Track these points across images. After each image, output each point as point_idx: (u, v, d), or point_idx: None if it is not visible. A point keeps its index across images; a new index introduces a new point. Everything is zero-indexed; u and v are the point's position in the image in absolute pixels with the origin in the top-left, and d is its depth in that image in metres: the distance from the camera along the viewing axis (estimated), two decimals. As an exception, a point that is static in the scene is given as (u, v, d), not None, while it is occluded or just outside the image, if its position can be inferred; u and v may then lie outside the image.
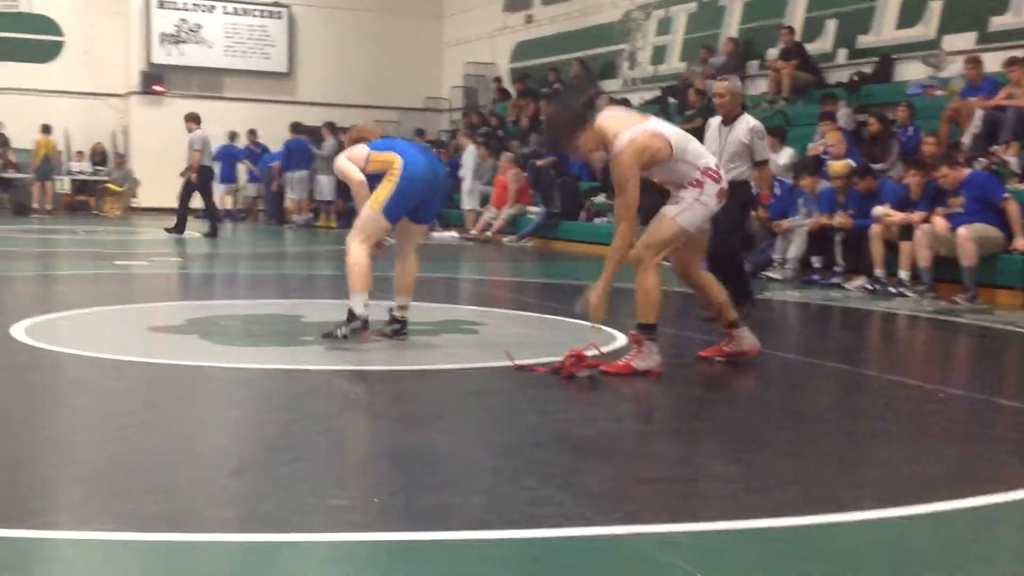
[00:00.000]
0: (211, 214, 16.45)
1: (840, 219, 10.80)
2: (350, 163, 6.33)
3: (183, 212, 16.04)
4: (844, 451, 4.31)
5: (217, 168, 21.55)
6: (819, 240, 11.11)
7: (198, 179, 16.01)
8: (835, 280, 10.81)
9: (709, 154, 5.87)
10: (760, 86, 16.36)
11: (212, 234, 16.05)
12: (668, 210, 5.66)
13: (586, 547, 3.04)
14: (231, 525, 3.15)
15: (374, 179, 6.29)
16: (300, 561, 2.95)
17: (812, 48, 15.78)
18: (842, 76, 15.28)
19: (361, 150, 6.38)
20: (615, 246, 5.49)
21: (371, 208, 6.19)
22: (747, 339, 6.11)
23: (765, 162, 7.88)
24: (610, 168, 5.66)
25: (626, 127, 5.45)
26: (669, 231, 5.63)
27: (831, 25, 15.85)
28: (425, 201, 6.36)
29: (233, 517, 3.23)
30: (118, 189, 22.47)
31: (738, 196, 7.62)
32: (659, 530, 3.15)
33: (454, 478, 3.68)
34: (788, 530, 3.21)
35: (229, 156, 21.66)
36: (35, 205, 21.49)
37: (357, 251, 6.18)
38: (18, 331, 6.30)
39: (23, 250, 13.84)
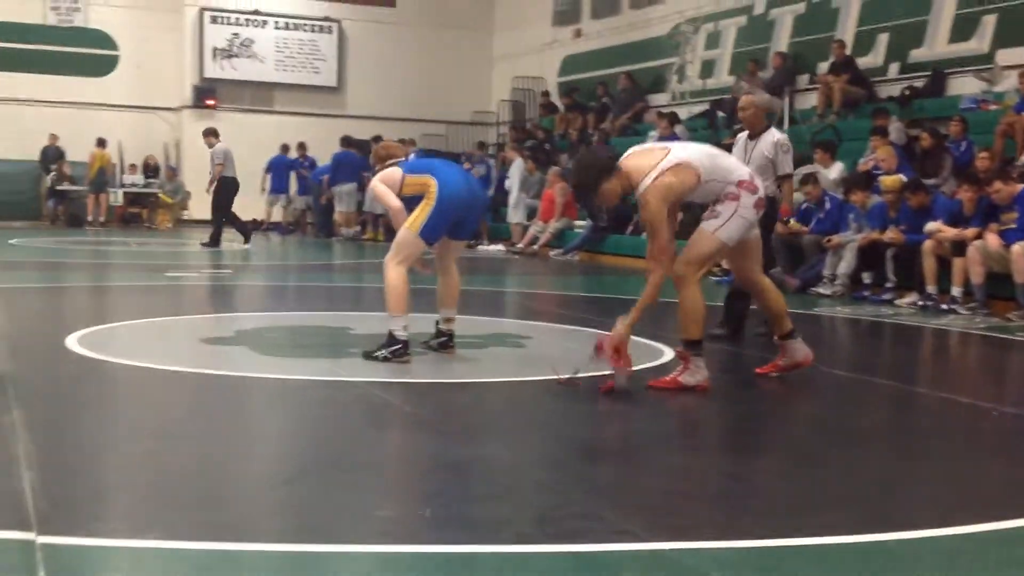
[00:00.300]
0: (239, 226, 16.66)
1: (891, 234, 10.68)
2: (386, 188, 6.27)
3: (218, 226, 16.27)
4: (897, 469, 4.25)
5: (268, 179, 21.78)
6: (870, 256, 10.99)
7: (223, 191, 16.26)
8: (886, 296, 10.68)
9: (742, 166, 5.85)
10: (810, 100, 16.25)
11: (245, 241, 16.42)
12: (707, 225, 5.63)
13: (635, 563, 3.02)
14: (281, 535, 3.17)
15: (410, 200, 6.27)
16: (349, 572, 2.95)
17: (863, 62, 15.64)
18: (894, 90, 15.12)
19: (395, 173, 6.33)
20: (648, 293, 5.49)
21: (408, 230, 6.15)
22: (800, 350, 6.07)
23: (789, 176, 7.71)
24: (640, 209, 5.65)
25: (647, 166, 5.43)
26: (709, 246, 5.61)
27: (883, 39, 15.71)
28: (462, 219, 6.35)
29: (283, 527, 3.25)
30: (170, 200, 22.75)
31: (766, 212, 7.58)
32: (708, 547, 3.12)
33: (502, 491, 3.68)
34: (841, 548, 3.17)
35: (281, 167, 21.87)
36: (89, 217, 21.83)
37: (395, 274, 6.12)
38: (72, 342, 6.39)
39: (77, 261, 14.06)
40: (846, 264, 11.15)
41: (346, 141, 19.97)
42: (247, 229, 16.90)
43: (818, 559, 3.09)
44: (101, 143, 21.90)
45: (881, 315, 9.70)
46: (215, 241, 16.04)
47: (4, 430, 4.17)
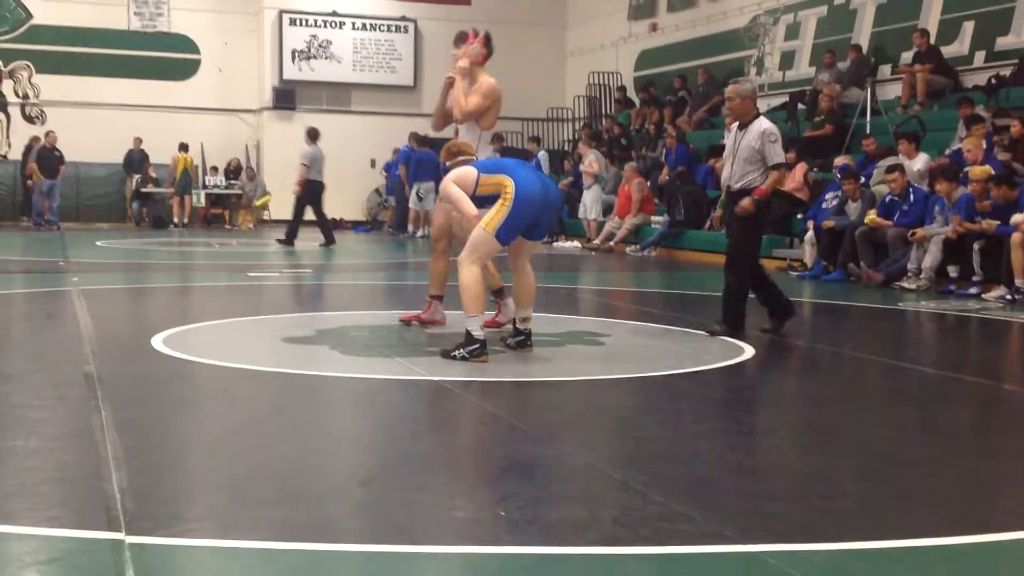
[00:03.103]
0: (323, 226, 16.84)
1: (983, 224, 10.41)
2: (460, 192, 6.26)
3: (295, 225, 16.60)
4: (987, 469, 4.15)
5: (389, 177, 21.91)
6: (956, 249, 10.74)
7: (307, 193, 16.64)
8: (973, 291, 10.43)
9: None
10: (894, 91, 15.92)
11: (327, 244, 16.57)
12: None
13: (720, 565, 2.98)
14: (363, 535, 3.19)
15: (484, 200, 6.27)
16: (429, 573, 2.96)
17: (948, 51, 15.27)
18: (979, 79, 14.74)
19: (470, 173, 6.32)
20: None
21: (483, 230, 6.16)
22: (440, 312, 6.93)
23: (779, 166, 7.39)
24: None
25: None
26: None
27: (968, 27, 15.32)
28: (537, 220, 6.33)
29: (365, 527, 3.27)
30: (262, 201, 23.09)
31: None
32: (795, 549, 3.07)
33: (583, 492, 3.66)
34: (932, 550, 3.10)
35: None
36: (175, 220, 22.29)
37: (469, 273, 6.12)
38: (158, 342, 6.52)
39: (162, 262, 14.35)
40: (931, 257, 10.91)
41: (422, 140, 20.06)
42: (330, 231, 17.10)
43: (907, 561, 3.02)
44: (184, 147, 22.32)
45: (967, 310, 9.47)
46: (290, 239, 16.37)
47: (93, 431, 4.26)
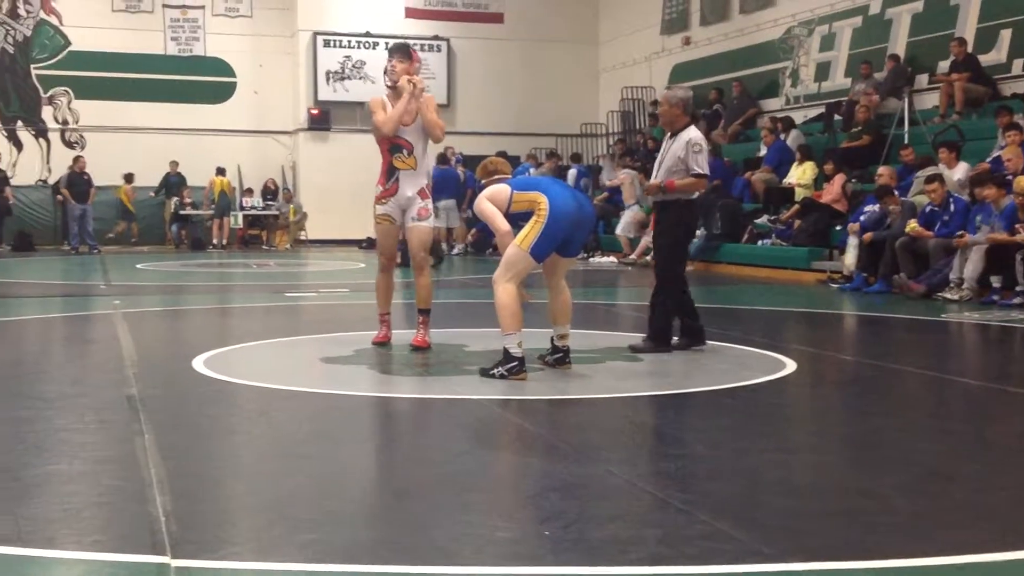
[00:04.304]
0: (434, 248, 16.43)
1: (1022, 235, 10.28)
2: (494, 209, 6.26)
3: (435, 243, 16.11)
4: (1037, 484, 4.07)
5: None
6: (998, 259, 10.60)
7: None
8: (1016, 301, 10.28)
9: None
10: (932, 100, 15.78)
11: (434, 264, 16.18)
12: None
13: (765, 584, 2.95)
14: (405, 556, 3.17)
15: (518, 217, 6.26)
16: (474, 594, 2.95)
17: (985, 59, 15.12)
18: (1019, 87, 14.59)
19: (503, 190, 6.32)
20: None
21: (518, 248, 6.15)
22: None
23: (700, 176, 7.18)
24: None
25: None
26: None
27: (1005, 35, 15.16)
28: (571, 237, 6.31)
29: (407, 547, 3.26)
30: (293, 217, 23.24)
31: (676, 216, 7.24)
32: (842, 567, 3.03)
33: (625, 510, 3.63)
34: (981, 567, 3.04)
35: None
36: (215, 241, 22.50)
37: (505, 292, 6.10)
38: (199, 364, 6.56)
39: (201, 284, 14.46)
40: (972, 267, 10.78)
41: (442, 159, 20.10)
42: (440, 254, 16.58)
43: (958, 580, 2.97)
44: (220, 171, 22.58)
45: (1011, 320, 9.34)
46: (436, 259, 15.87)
47: (136, 454, 4.29)
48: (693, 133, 7.21)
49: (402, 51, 7.55)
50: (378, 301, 7.61)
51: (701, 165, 7.14)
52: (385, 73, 7.48)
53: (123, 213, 22.87)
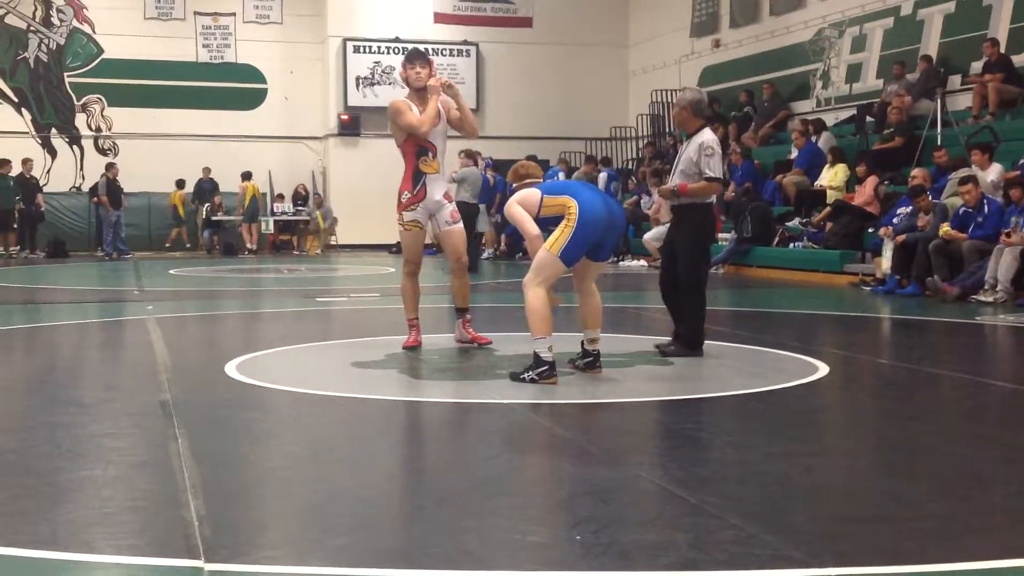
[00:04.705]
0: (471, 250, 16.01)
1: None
2: (523, 212, 6.25)
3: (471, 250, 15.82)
4: (1075, 488, 4.03)
5: None
6: (1034, 260, 10.50)
7: (463, 216, 15.92)
8: (1053, 302, 10.19)
9: None
10: (965, 101, 15.65)
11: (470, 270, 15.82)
12: None
13: (798, 590, 2.93)
14: (436, 560, 3.18)
15: (548, 222, 6.26)
16: (506, 599, 2.95)
17: (1019, 60, 14.97)
18: (1053, 87, 14.45)
19: (533, 194, 6.32)
20: None
21: (548, 252, 6.14)
22: None
23: (712, 179, 7.09)
24: None
25: None
26: None
27: (1039, 34, 15.04)
28: (602, 241, 6.30)
29: (438, 552, 3.27)
30: (322, 224, 23.36)
31: (694, 219, 7.19)
32: (875, 572, 3.01)
33: (656, 515, 3.63)
34: (1018, 572, 3.01)
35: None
36: (249, 246, 22.65)
37: (535, 296, 6.10)
38: (231, 369, 6.60)
39: (233, 289, 14.55)
40: (1006, 269, 10.68)
41: (471, 155, 20.02)
42: (476, 258, 16.36)
43: (994, 586, 2.95)
44: (247, 176, 22.73)
45: (1048, 323, 9.25)
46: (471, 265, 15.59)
47: (171, 459, 4.33)
48: (706, 136, 7.14)
49: (421, 57, 7.65)
50: (406, 306, 7.63)
51: (714, 169, 7.07)
52: (408, 82, 7.49)
53: (176, 219, 23.03)
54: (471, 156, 16.41)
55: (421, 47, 7.14)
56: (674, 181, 7.24)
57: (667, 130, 23.00)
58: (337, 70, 24.11)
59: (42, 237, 21.60)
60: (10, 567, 3.10)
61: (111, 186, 21.35)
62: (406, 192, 7.43)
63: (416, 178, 7.37)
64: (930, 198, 12.35)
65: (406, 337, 7.55)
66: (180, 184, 22.90)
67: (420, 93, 7.40)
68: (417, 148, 7.35)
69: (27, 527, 3.43)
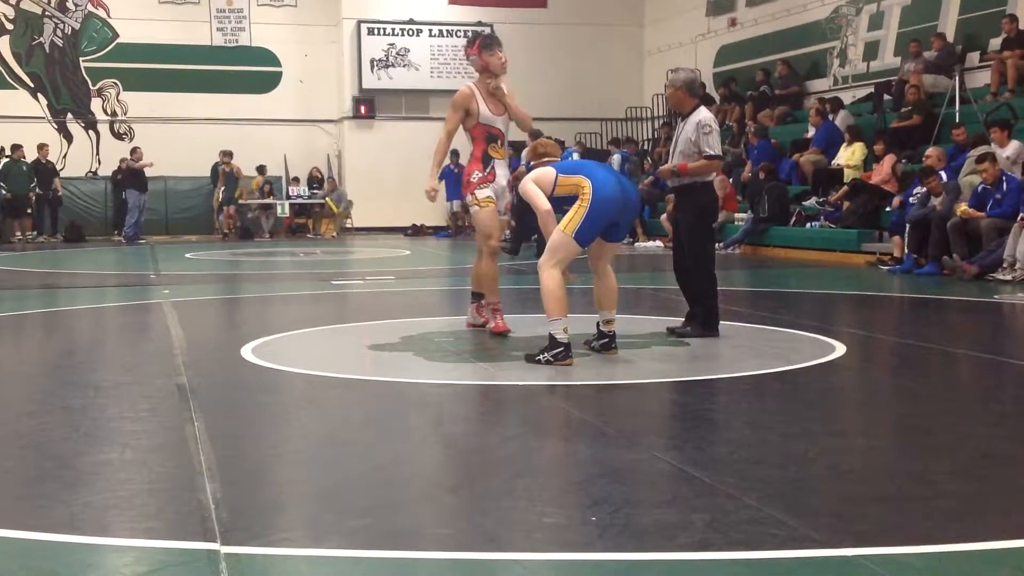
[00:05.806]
0: (515, 235, 15.78)
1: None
2: (537, 189, 6.26)
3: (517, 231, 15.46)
4: (1094, 467, 4.00)
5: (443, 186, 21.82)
6: (1053, 238, 10.41)
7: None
8: (1072, 280, 10.11)
9: None
10: (983, 78, 15.51)
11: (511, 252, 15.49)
12: None
13: (815, 569, 2.92)
14: (453, 542, 3.19)
15: (562, 201, 6.26)
16: (522, 580, 2.95)
17: (1038, 35, 14.83)
18: (1073, 63, 14.30)
19: (548, 173, 6.32)
20: None
21: (562, 233, 6.13)
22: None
23: (712, 158, 7.07)
24: None
25: None
26: None
27: (1059, 10, 14.87)
28: (616, 221, 6.28)
29: (455, 534, 3.27)
30: (336, 209, 23.37)
31: (695, 198, 7.18)
32: (893, 552, 2.99)
33: (672, 496, 3.62)
34: (1037, 554, 2.99)
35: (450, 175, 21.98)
36: (268, 231, 22.71)
37: (550, 277, 6.10)
38: (248, 352, 6.61)
39: (249, 272, 14.58)
40: (1025, 247, 10.60)
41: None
42: (519, 242, 16.27)
43: (1009, 563, 2.92)
44: (261, 170, 22.83)
45: (1068, 301, 9.18)
46: (514, 249, 15.49)
47: (187, 442, 4.34)
48: (703, 114, 7.13)
49: (499, 41, 7.67)
50: (489, 290, 7.36)
51: (712, 146, 7.05)
52: (489, 68, 7.41)
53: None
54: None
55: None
56: (673, 161, 7.22)
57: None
58: (352, 52, 24.05)
59: (60, 222, 21.69)
60: (28, 550, 3.12)
61: (136, 170, 21.41)
62: (476, 172, 7.36)
63: (485, 160, 7.37)
64: (944, 177, 12.24)
65: (492, 322, 7.32)
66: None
67: (484, 77, 7.41)
68: (487, 134, 7.36)
69: (45, 510, 3.45)
